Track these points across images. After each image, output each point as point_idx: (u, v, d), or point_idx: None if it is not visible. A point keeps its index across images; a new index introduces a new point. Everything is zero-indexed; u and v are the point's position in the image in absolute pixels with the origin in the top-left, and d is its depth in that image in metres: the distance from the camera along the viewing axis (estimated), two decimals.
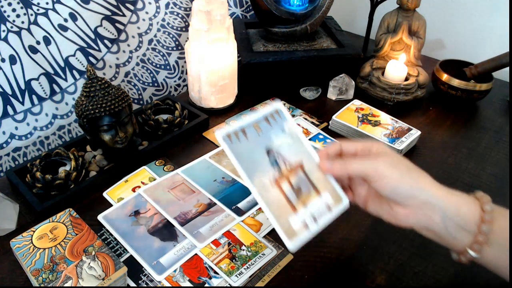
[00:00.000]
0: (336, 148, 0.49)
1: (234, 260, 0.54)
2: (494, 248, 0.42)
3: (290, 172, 0.47)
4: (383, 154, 0.46)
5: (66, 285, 0.47)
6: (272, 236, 0.58)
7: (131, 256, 0.55)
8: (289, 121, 0.50)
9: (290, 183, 0.47)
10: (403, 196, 0.44)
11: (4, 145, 0.74)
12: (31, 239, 0.52)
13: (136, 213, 0.61)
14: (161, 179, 0.66)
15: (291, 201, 0.46)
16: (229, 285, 0.51)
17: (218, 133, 0.45)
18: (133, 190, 0.65)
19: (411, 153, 0.75)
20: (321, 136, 0.77)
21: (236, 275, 0.52)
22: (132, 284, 0.51)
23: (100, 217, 0.60)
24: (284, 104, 0.87)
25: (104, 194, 0.64)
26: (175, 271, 0.53)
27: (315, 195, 0.47)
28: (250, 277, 0.52)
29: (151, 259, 0.54)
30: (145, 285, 0.51)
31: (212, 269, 0.53)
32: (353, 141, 0.48)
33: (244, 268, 0.53)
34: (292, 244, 0.44)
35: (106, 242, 0.56)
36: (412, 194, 0.43)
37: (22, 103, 0.74)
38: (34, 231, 0.53)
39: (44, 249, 0.50)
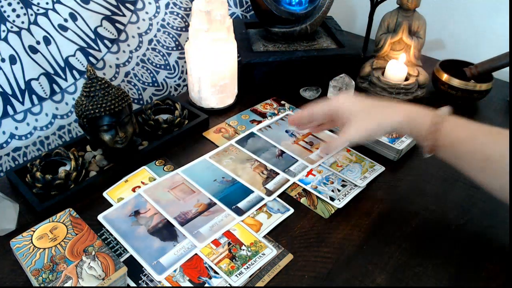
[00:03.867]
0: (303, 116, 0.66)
1: (234, 260, 0.54)
2: (442, 150, 0.54)
3: (304, 137, 0.77)
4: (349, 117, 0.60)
5: (66, 285, 0.47)
6: (272, 236, 0.58)
7: (131, 256, 0.55)
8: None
9: (304, 141, 0.76)
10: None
11: (4, 145, 0.74)
12: (31, 239, 0.52)
13: (136, 213, 0.61)
14: (161, 179, 0.67)
15: (306, 148, 0.75)
16: (229, 285, 0.51)
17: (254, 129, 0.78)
18: (133, 190, 0.65)
19: (411, 153, 0.75)
20: None
21: (236, 275, 0.52)
22: (132, 284, 0.51)
23: (100, 217, 0.60)
24: (284, 104, 0.87)
25: (104, 194, 0.64)
26: (175, 271, 0.53)
27: (323, 143, 0.76)
28: (250, 277, 0.52)
29: (151, 259, 0.54)
30: (145, 285, 0.51)
31: (212, 269, 0.53)
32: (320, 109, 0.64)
33: (244, 268, 0.53)
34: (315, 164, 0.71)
35: (106, 242, 0.56)
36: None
37: (22, 103, 0.74)
38: (34, 231, 0.53)
39: (44, 249, 0.50)
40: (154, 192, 0.64)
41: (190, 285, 0.51)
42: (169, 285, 0.51)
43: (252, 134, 0.77)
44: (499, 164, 0.49)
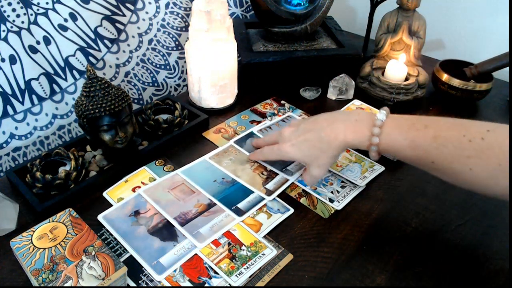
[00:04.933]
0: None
1: (234, 260, 0.54)
2: (391, 152, 0.55)
3: None
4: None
5: (66, 285, 0.47)
6: (272, 236, 0.58)
7: (131, 256, 0.55)
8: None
9: None
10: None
11: (4, 145, 0.74)
12: (31, 239, 0.52)
13: (136, 213, 0.61)
14: (161, 179, 0.66)
15: None
16: (229, 285, 0.51)
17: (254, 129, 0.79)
18: (133, 190, 0.65)
19: None
20: None
21: (236, 275, 0.52)
22: (132, 284, 0.51)
23: (100, 217, 0.60)
24: (284, 104, 0.87)
25: (104, 194, 0.64)
26: (175, 271, 0.53)
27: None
28: (250, 277, 0.52)
29: (151, 259, 0.54)
30: (145, 285, 0.51)
31: (212, 269, 0.53)
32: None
33: (244, 268, 0.53)
34: None
35: (106, 242, 0.56)
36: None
37: (22, 103, 0.74)
38: (34, 231, 0.53)
39: (44, 249, 0.50)
40: (154, 192, 0.64)
41: (190, 285, 0.51)
42: (169, 285, 0.51)
43: (251, 134, 0.77)
44: (444, 165, 0.50)
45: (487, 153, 0.46)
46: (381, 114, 0.54)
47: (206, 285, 0.51)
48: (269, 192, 0.64)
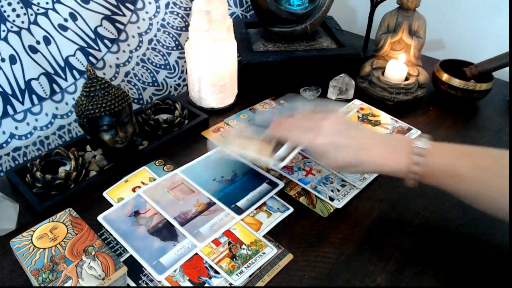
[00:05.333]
0: None
1: (234, 259, 0.54)
2: (430, 180, 0.53)
3: None
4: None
5: (66, 285, 0.47)
6: (272, 236, 0.58)
7: (131, 256, 0.55)
8: None
9: None
10: None
11: (4, 145, 0.74)
12: (31, 239, 0.52)
13: (136, 213, 0.61)
14: (160, 179, 0.66)
15: None
16: (229, 285, 0.51)
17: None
18: (133, 190, 0.65)
19: None
20: None
21: (236, 274, 0.52)
22: (132, 284, 0.51)
23: (100, 218, 0.60)
24: (283, 104, 0.87)
25: (104, 194, 0.64)
26: (175, 271, 0.53)
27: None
28: (250, 276, 0.52)
29: (151, 259, 0.54)
30: (145, 285, 0.51)
31: (212, 268, 0.53)
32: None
33: (245, 267, 0.53)
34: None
35: (106, 242, 0.56)
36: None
37: (22, 103, 0.74)
38: (34, 231, 0.53)
39: (44, 249, 0.50)
40: (154, 192, 0.64)
41: (190, 285, 0.51)
42: (169, 285, 0.51)
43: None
44: (486, 195, 0.49)
45: None
46: (422, 141, 0.53)
47: (206, 285, 0.51)
48: (280, 159, 0.61)
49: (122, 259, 0.54)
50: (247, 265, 0.53)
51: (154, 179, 0.67)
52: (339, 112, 0.62)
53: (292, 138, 0.59)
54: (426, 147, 0.52)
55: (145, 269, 0.53)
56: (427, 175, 0.52)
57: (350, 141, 0.56)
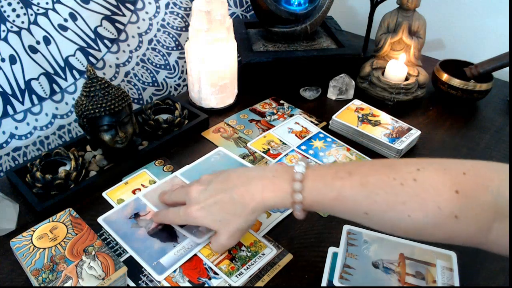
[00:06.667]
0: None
1: (234, 261, 0.54)
2: (315, 207, 0.48)
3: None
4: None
5: (66, 285, 0.47)
6: (272, 236, 0.58)
7: (130, 256, 0.55)
8: None
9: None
10: None
11: (4, 144, 0.74)
12: (31, 239, 0.52)
13: (136, 215, 0.60)
14: (160, 182, 0.66)
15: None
16: (228, 285, 0.51)
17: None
18: (133, 192, 0.65)
19: (411, 153, 0.75)
20: (321, 135, 0.77)
21: (236, 276, 0.52)
22: (132, 284, 0.51)
23: (100, 220, 0.60)
24: (283, 104, 0.87)
25: (104, 194, 0.64)
26: (175, 271, 0.53)
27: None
28: (249, 277, 0.52)
29: (151, 259, 0.54)
30: (144, 285, 0.51)
31: (212, 269, 0.53)
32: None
33: (244, 269, 0.53)
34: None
35: (106, 242, 0.56)
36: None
37: (22, 103, 0.74)
38: (34, 231, 0.53)
39: (44, 249, 0.50)
40: (154, 196, 0.63)
41: (189, 285, 0.51)
42: (169, 285, 0.51)
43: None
44: (379, 215, 0.43)
45: (422, 196, 0.41)
46: (299, 166, 0.47)
47: (206, 285, 0.51)
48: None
49: (122, 259, 0.54)
50: (247, 267, 0.53)
51: (154, 182, 0.67)
52: (196, 182, 0.56)
53: (170, 222, 0.57)
54: (304, 172, 0.47)
55: (145, 269, 0.53)
56: (313, 202, 0.46)
57: (221, 190, 0.51)
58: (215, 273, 0.53)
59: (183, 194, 0.55)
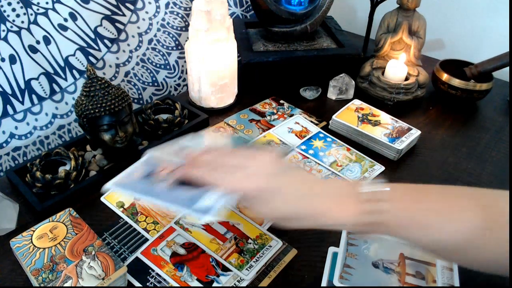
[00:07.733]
0: None
1: (242, 254, 0.55)
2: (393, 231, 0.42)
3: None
4: None
5: (66, 285, 0.47)
6: (275, 232, 0.58)
7: (136, 258, 0.54)
8: None
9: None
10: None
11: (4, 144, 0.74)
12: (31, 239, 0.52)
13: (151, 174, 0.51)
14: (136, 164, 0.55)
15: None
16: (234, 286, 0.51)
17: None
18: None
19: (411, 153, 0.75)
20: (321, 135, 0.77)
21: (246, 269, 0.53)
22: (138, 285, 0.51)
23: (109, 184, 0.51)
24: (283, 104, 0.87)
25: (102, 199, 0.63)
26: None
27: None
28: (259, 269, 0.53)
29: (190, 203, 0.45)
30: (152, 287, 0.51)
31: (220, 266, 0.53)
32: None
33: (254, 261, 0.54)
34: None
35: (105, 242, 0.56)
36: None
37: (22, 103, 0.74)
38: (34, 231, 0.53)
39: (44, 248, 0.50)
40: (161, 156, 0.54)
41: (199, 284, 0.51)
42: (177, 285, 0.51)
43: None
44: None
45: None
46: (373, 184, 0.43)
47: (215, 283, 0.51)
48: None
49: (127, 263, 0.53)
50: (256, 259, 0.54)
51: None
52: (272, 152, 0.47)
53: (212, 181, 0.45)
54: (377, 190, 0.42)
55: (182, 218, 0.50)
56: (386, 224, 0.41)
57: (287, 187, 0.44)
58: (223, 269, 0.53)
59: (238, 161, 0.46)
